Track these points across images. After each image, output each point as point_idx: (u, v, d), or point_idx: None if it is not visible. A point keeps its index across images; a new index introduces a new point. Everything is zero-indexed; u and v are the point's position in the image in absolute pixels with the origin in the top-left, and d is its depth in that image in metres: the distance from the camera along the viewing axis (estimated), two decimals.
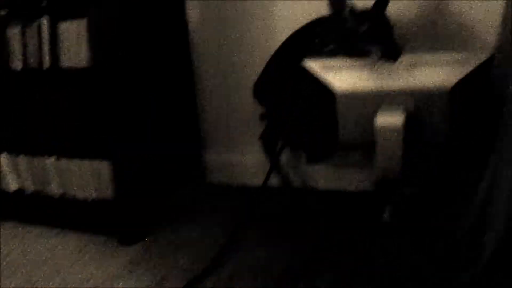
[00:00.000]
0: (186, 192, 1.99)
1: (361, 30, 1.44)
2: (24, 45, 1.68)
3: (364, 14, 1.47)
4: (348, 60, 1.46)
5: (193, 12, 1.96)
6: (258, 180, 1.86)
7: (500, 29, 1.32)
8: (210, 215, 1.83)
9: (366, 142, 1.41)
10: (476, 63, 1.31)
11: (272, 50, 1.70)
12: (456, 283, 1.25)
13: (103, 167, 1.67)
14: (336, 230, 1.60)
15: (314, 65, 1.48)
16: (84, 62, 1.59)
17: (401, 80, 1.38)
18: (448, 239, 1.41)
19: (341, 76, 1.44)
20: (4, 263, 1.65)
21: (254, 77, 1.78)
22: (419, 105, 1.36)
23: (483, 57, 1.31)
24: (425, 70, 1.35)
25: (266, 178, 1.62)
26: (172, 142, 1.90)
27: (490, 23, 1.37)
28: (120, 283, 1.46)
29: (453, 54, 1.33)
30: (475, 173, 1.36)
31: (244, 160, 2.04)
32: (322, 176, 1.91)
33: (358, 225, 1.59)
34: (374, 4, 1.47)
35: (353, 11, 1.48)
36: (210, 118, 2.07)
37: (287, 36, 1.66)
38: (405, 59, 1.37)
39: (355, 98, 1.43)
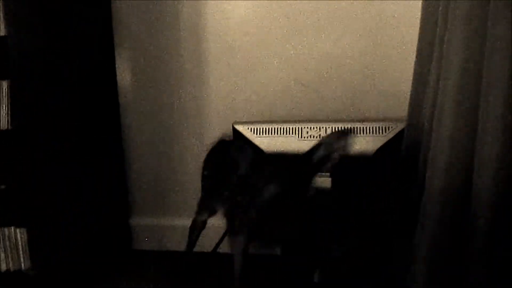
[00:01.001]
0: (111, 259, 1.90)
1: None
2: None
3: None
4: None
5: (124, 75, 1.96)
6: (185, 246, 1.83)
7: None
8: (135, 282, 1.75)
9: None
10: (395, 132, 1.45)
11: (203, 118, 1.71)
12: None
13: (19, 235, 1.58)
14: None
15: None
16: (4, 125, 1.53)
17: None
18: None
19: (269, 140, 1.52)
20: None
21: (183, 143, 1.78)
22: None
23: (400, 127, 1.45)
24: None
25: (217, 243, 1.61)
26: (96, 207, 1.83)
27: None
28: None
29: (375, 123, 1.46)
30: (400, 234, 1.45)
31: (171, 225, 2.01)
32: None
33: None
34: None
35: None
36: (137, 183, 2.04)
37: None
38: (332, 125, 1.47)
39: None
